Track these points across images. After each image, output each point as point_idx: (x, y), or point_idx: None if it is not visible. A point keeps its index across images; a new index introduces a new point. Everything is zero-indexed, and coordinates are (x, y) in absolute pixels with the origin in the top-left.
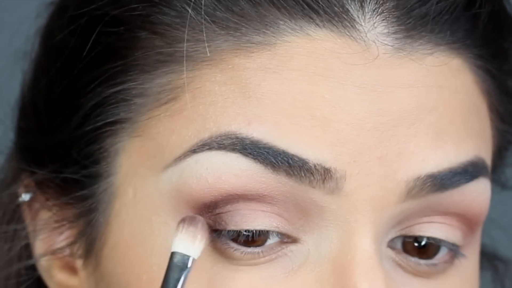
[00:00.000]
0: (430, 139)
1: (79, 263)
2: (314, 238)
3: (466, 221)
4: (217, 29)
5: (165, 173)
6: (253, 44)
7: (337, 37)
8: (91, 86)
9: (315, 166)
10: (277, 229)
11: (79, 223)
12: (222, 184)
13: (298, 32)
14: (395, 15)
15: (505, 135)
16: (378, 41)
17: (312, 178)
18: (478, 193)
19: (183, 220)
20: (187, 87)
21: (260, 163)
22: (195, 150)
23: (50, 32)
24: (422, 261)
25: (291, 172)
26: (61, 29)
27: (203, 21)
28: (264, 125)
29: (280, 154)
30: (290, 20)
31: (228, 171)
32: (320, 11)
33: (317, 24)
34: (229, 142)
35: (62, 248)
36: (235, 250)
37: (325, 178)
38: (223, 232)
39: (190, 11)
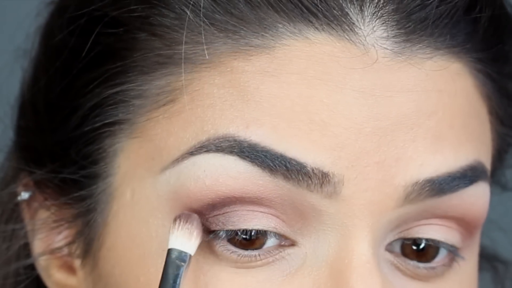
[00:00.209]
0: (429, 144)
1: (77, 263)
2: (312, 242)
3: (465, 224)
4: (216, 31)
5: (163, 175)
6: (252, 47)
7: (336, 41)
8: (90, 86)
9: (313, 170)
10: (275, 230)
11: (77, 223)
12: (220, 187)
13: (297, 35)
14: (394, 19)
15: (505, 138)
16: (377, 45)
17: (310, 182)
18: (477, 197)
19: (179, 217)
20: (186, 89)
21: (258, 166)
22: (193, 152)
23: (50, 31)
24: (421, 264)
25: (289, 176)
26: (60, 29)
27: (202, 23)
28: (262, 128)
29: (278, 157)
30: (289, 24)
31: (226, 174)
32: (319, 15)
33: (316, 28)
34: (227, 144)
35: (60, 248)
36: (232, 252)
37: (323, 182)
38: (220, 233)
39: (189, 13)
